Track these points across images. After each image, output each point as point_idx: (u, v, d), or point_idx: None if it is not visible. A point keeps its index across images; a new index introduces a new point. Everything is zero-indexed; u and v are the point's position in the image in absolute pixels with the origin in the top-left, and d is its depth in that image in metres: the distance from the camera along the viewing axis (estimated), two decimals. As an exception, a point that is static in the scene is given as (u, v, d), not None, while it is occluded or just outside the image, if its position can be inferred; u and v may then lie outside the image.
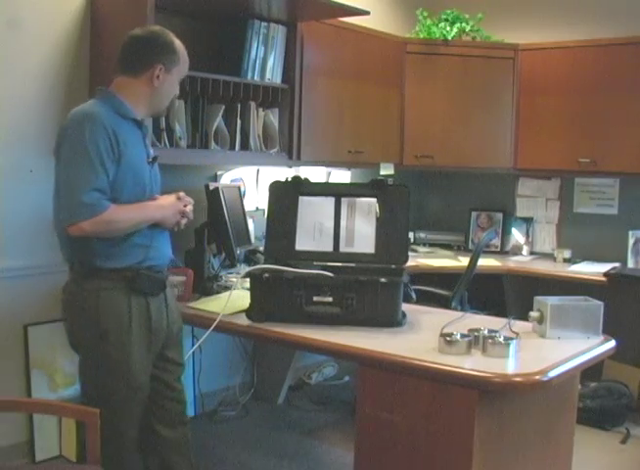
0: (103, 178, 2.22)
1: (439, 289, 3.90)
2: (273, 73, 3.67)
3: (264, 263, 2.84)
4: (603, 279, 4.02)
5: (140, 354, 2.37)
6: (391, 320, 2.57)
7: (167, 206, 2.41)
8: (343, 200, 2.93)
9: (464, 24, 4.59)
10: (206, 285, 3.12)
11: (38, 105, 3.17)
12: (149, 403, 2.50)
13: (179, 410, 2.63)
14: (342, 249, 2.88)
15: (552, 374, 2.15)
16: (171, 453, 2.60)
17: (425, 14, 4.69)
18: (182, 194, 2.49)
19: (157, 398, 2.54)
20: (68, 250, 2.38)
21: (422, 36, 4.64)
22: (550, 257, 4.64)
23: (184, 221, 2.47)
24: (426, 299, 3.53)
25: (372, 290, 2.54)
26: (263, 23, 3.58)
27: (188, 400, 3.75)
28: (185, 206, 2.46)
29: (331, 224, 2.90)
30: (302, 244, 2.89)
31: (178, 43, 2.44)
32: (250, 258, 3.59)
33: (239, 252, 3.47)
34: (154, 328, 2.39)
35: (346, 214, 2.91)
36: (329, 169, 4.47)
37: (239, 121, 3.51)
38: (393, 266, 2.81)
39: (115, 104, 2.34)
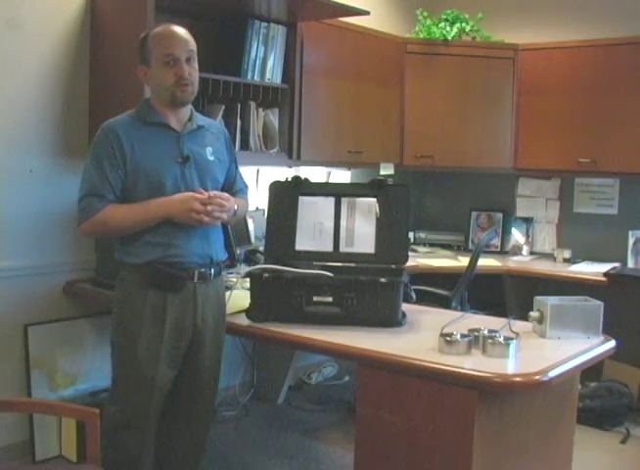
0: (102, 182, 2.35)
1: (439, 289, 3.90)
2: (273, 73, 3.67)
3: (264, 263, 2.84)
4: (603, 279, 4.02)
5: (149, 346, 2.39)
6: (391, 320, 2.57)
7: (175, 204, 2.37)
8: (343, 200, 2.92)
9: (464, 24, 4.59)
10: (206, 285, 3.11)
11: (38, 105, 3.17)
12: (170, 402, 2.54)
13: (198, 415, 2.61)
14: (342, 249, 2.88)
15: (552, 374, 2.14)
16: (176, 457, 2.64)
17: (425, 14, 4.69)
18: (204, 194, 2.39)
19: (180, 399, 2.56)
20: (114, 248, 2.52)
21: (422, 36, 4.64)
22: (550, 257, 4.64)
23: (207, 220, 2.38)
24: (426, 299, 3.53)
25: (372, 290, 2.54)
26: (263, 23, 3.59)
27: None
28: (207, 205, 2.37)
29: (331, 224, 2.90)
30: (302, 244, 2.89)
31: (152, 33, 2.42)
32: (250, 258, 3.60)
33: (239, 252, 3.47)
34: (169, 323, 2.40)
35: (346, 214, 2.91)
36: (329, 169, 4.47)
37: (239, 121, 3.51)
38: (393, 266, 2.81)
39: (141, 110, 2.46)
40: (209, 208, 2.38)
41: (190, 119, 2.49)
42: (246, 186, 2.79)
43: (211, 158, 2.52)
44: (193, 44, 2.44)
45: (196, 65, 2.45)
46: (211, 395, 2.63)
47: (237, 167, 2.72)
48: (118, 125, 2.40)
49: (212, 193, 2.42)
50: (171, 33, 2.41)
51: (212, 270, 2.51)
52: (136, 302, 2.40)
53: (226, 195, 2.48)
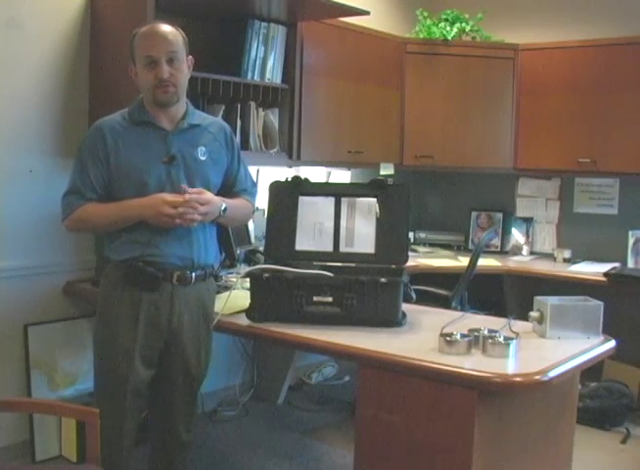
0: (82, 180, 2.39)
1: (439, 289, 3.90)
2: (273, 73, 3.67)
3: (264, 263, 2.84)
4: (603, 279, 4.02)
5: (124, 344, 2.39)
6: (391, 320, 2.57)
7: (146, 206, 2.33)
8: (343, 200, 2.92)
9: (464, 24, 4.59)
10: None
11: (38, 105, 3.17)
12: (156, 404, 2.56)
13: (178, 419, 2.57)
14: (343, 249, 2.88)
15: (552, 374, 2.14)
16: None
17: (425, 14, 4.69)
18: (183, 196, 2.32)
19: (163, 402, 2.55)
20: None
21: (422, 36, 4.64)
22: (550, 257, 4.64)
23: (178, 222, 2.32)
24: (426, 299, 3.52)
25: (372, 290, 2.54)
26: (263, 23, 3.59)
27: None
28: (178, 208, 2.31)
29: (331, 224, 2.90)
30: (302, 244, 2.88)
31: (138, 32, 2.39)
32: (250, 258, 3.59)
33: (239, 252, 3.47)
34: (142, 322, 2.39)
35: (346, 214, 2.91)
36: (329, 169, 4.47)
37: (239, 121, 3.51)
38: (393, 266, 2.81)
39: (132, 109, 2.45)
40: (181, 210, 2.31)
41: (183, 118, 2.45)
42: (253, 186, 2.73)
43: (203, 157, 2.45)
44: (176, 44, 2.37)
45: (180, 65, 2.38)
46: (191, 398, 2.60)
47: (240, 166, 2.63)
48: (106, 124, 2.41)
49: (188, 195, 2.33)
50: (153, 33, 2.36)
51: (194, 274, 2.44)
52: (115, 298, 2.42)
53: (205, 198, 2.37)
